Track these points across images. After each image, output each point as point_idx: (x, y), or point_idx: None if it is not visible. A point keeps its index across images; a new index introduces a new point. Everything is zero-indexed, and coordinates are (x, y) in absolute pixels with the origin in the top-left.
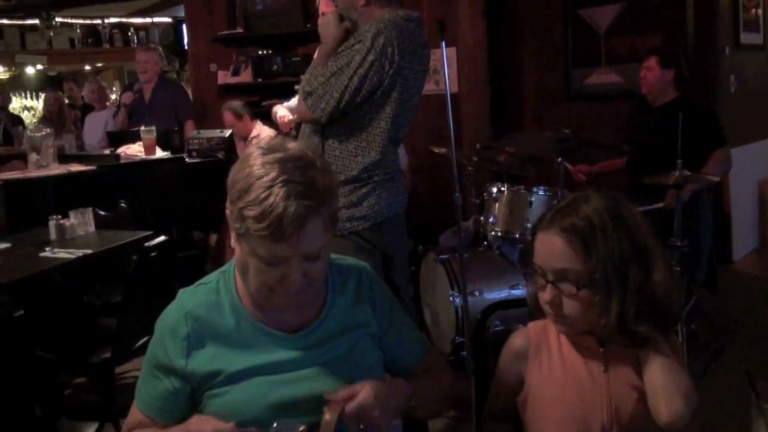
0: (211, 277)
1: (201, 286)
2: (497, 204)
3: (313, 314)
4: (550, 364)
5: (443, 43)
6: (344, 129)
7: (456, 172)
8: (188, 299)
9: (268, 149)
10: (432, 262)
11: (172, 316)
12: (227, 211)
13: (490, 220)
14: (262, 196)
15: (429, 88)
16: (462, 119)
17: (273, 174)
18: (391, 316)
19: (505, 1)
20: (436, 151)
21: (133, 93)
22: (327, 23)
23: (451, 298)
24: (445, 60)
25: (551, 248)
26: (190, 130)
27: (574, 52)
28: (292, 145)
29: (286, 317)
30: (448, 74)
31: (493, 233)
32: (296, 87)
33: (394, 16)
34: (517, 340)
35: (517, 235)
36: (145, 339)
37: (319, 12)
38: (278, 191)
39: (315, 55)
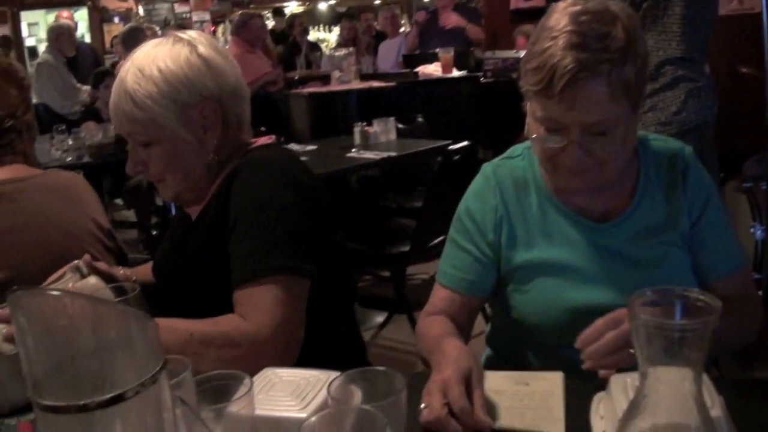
0: (516, 150)
1: (505, 160)
2: None
3: (620, 202)
4: None
5: None
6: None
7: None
8: (493, 173)
9: (574, 2)
10: (732, 191)
11: (481, 188)
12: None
13: None
14: (545, 46)
15: (732, 8)
16: None
17: (563, 23)
18: (705, 212)
19: None
20: (745, 71)
21: (427, 13)
22: None
23: (752, 230)
24: None
25: None
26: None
27: None
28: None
29: (587, 203)
30: None
31: None
32: None
33: None
34: None
35: None
36: (440, 239)
37: None
38: (560, 41)
39: None
